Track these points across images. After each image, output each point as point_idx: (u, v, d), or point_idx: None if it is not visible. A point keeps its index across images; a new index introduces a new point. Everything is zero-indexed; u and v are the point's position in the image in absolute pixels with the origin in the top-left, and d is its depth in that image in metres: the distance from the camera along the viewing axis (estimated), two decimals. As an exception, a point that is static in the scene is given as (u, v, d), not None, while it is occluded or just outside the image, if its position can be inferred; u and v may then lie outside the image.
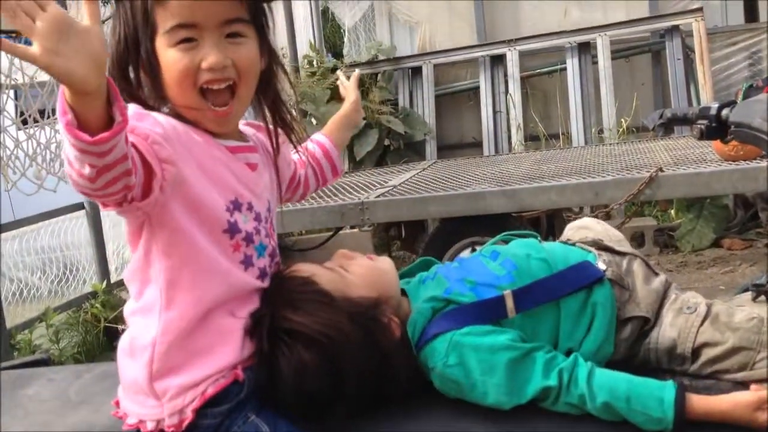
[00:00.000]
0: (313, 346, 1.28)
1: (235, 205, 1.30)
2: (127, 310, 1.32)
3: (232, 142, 1.36)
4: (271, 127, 1.44)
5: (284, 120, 1.45)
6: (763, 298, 1.62)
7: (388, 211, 4.39)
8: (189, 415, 1.23)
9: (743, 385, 1.36)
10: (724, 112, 1.72)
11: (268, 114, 1.43)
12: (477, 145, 6.80)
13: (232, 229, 1.29)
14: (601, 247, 1.55)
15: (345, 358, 1.29)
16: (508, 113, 6.54)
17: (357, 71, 1.82)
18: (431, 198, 4.29)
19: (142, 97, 1.29)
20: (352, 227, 4.91)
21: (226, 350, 1.26)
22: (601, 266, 1.48)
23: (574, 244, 1.58)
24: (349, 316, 1.33)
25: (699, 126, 1.76)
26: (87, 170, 1.04)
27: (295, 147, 1.52)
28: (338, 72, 1.83)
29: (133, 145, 1.11)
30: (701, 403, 1.29)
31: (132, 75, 1.29)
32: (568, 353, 1.41)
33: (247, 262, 1.32)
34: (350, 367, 1.30)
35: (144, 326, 1.27)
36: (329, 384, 1.29)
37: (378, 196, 4.42)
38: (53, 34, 0.93)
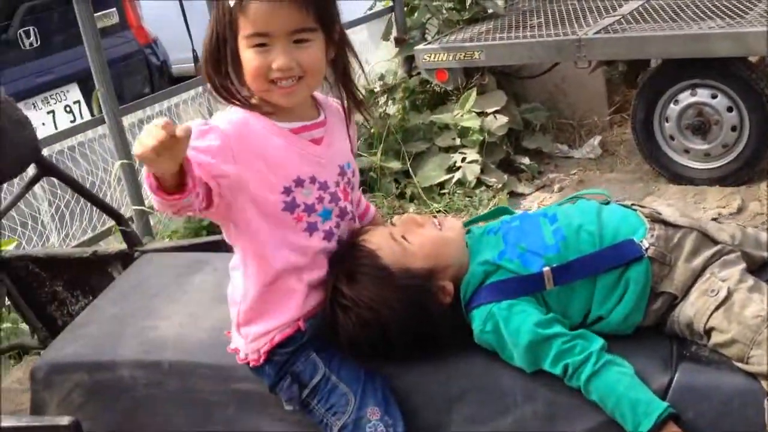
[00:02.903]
0: (363, 317, 1.57)
1: (297, 183, 1.56)
2: (231, 263, 1.69)
3: (297, 123, 1.60)
4: (345, 102, 1.69)
5: (354, 96, 1.68)
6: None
7: (606, 49, 4.32)
8: (263, 354, 1.62)
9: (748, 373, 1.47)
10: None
11: (342, 90, 1.67)
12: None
13: (290, 206, 1.56)
14: (656, 219, 1.63)
15: (391, 327, 1.58)
16: None
17: None
18: (651, 38, 4.14)
19: (231, 87, 1.56)
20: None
21: (291, 307, 1.60)
22: (646, 243, 1.58)
23: (635, 210, 1.68)
24: (401, 289, 1.58)
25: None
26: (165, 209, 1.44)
27: (363, 116, 1.77)
28: None
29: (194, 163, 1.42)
30: None
31: (223, 68, 1.56)
32: (598, 319, 1.60)
33: (311, 228, 1.60)
34: (396, 333, 1.58)
35: (236, 284, 1.65)
36: (377, 344, 1.59)
37: (597, 32, 4.32)
38: (160, 150, 1.30)
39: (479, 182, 4.56)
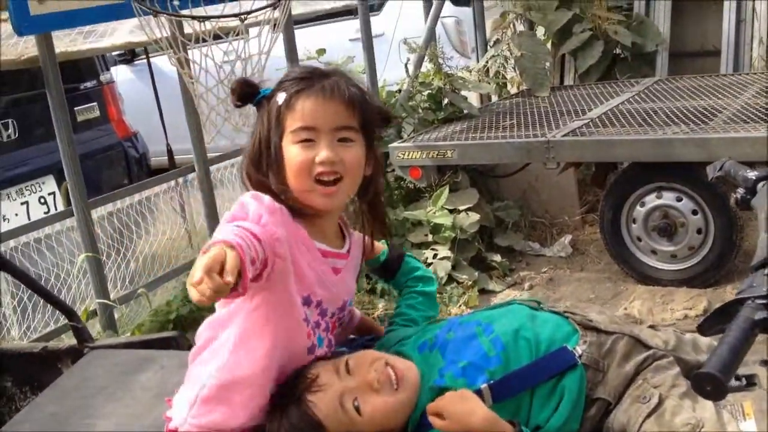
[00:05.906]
0: None
1: (305, 301, 1.58)
2: (209, 335, 1.62)
3: (326, 246, 1.64)
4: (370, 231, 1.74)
5: (380, 220, 1.74)
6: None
7: (574, 151, 4.41)
8: None
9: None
10: (759, 186, 1.65)
11: (369, 216, 1.72)
12: (717, 53, 6.29)
13: (307, 319, 1.58)
14: (587, 326, 1.64)
15: None
16: (752, 23, 5.96)
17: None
18: (618, 141, 4.23)
19: (270, 185, 1.60)
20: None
21: (249, 407, 1.55)
22: (579, 349, 1.59)
23: (567, 317, 1.68)
24: None
25: (737, 194, 1.71)
26: None
27: (387, 241, 1.82)
28: None
29: (257, 237, 1.40)
30: None
31: (264, 167, 1.62)
32: (536, 428, 1.58)
33: (311, 350, 1.61)
34: None
35: (209, 359, 1.58)
36: None
37: (565, 134, 4.42)
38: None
39: (450, 279, 4.58)
